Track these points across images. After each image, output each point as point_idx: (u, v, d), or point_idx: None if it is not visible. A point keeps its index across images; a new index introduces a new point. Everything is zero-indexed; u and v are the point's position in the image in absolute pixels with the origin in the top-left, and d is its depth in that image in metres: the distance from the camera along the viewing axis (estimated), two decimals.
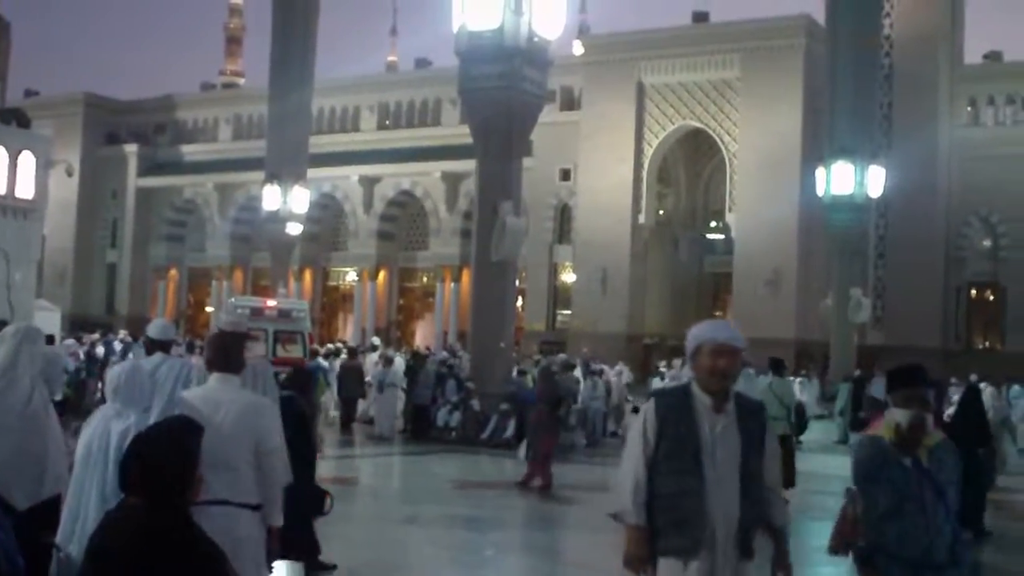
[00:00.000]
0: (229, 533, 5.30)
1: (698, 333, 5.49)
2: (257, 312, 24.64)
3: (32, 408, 6.58)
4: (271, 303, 27.03)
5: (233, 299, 33.11)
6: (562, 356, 28.46)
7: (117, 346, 32.86)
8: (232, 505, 5.76)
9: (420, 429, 25.57)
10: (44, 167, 33.83)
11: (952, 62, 51.14)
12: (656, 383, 30.22)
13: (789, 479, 20.44)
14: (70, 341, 31.43)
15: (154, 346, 8.47)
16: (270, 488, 6.02)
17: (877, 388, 26.24)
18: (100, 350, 31.45)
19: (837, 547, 7.37)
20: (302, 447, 7.79)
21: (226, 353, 6.28)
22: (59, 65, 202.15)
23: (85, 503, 5.87)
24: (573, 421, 24.66)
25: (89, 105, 70.15)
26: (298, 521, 7.45)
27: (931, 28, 49.96)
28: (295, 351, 24.35)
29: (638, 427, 5.45)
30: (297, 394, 9.52)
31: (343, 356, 29.21)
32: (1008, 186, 47.44)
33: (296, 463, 6.57)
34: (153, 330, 8.84)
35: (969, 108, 51.00)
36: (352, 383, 26.63)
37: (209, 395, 6.05)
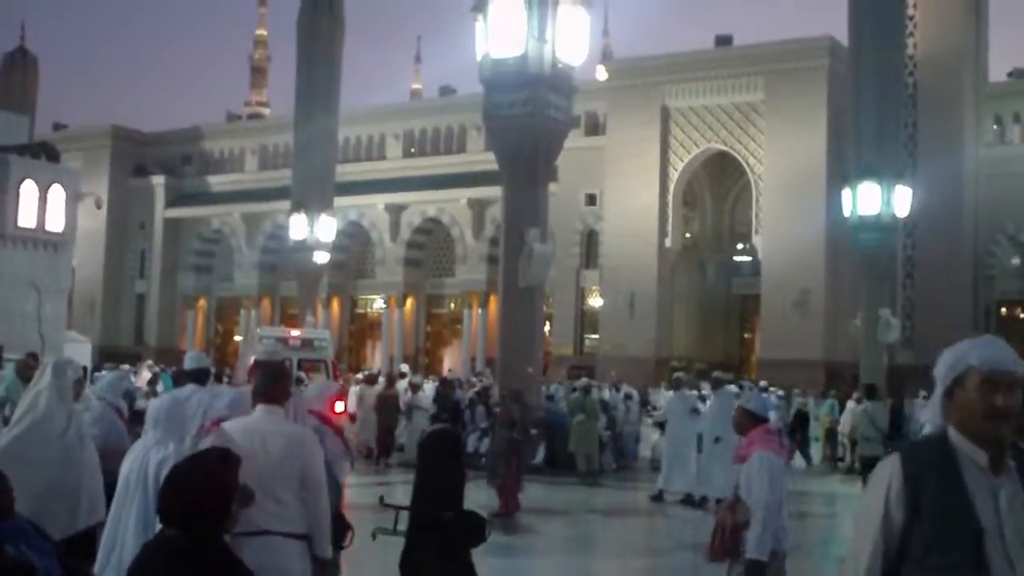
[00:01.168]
0: (274, 564, 5.33)
1: (963, 354, 3.83)
2: (282, 342, 25.24)
3: (67, 441, 6.64)
4: (295, 333, 28.31)
5: (259, 330, 33.74)
6: (584, 380, 28.49)
7: (145, 376, 33.02)
8: (276, 535, 5.77)
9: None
10: (73, 200, 34.02)
11: (977, 80, 50.99)
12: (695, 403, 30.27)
13: None
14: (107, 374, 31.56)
15: (187, 377, 8.56)
16: (317, 520, 6.00)
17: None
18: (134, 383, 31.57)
19: (718, 556, 7.61)
20: (456, 480, 7.87)
21: (270, 384, 6.28)
22: (86, 98, 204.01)
23: (123, 532, 5.93)
24: (605, 439, 24.90)
25: (116, 137, 70.62)
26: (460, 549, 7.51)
27: (955, 47, 49.82)
28: (319, 379, 24.73)
29: (875, 496, 3.65)
30: (449, 425, 9.69)
31: (381, 384, 29.17)
32: None
33: (451, 496, 6.66)
34: (187, 362, 8.96)
35: (995, 126, 50.85)
36: (389, 411, 26.70)
37: (252, 426, 6.04)
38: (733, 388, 21.84)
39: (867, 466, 21.40)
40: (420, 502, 7.05)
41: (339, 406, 25.64)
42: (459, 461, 7.95)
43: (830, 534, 18.47)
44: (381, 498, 9.72)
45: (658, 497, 20.34)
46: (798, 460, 29.15)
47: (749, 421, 8.22)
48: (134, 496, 6.04)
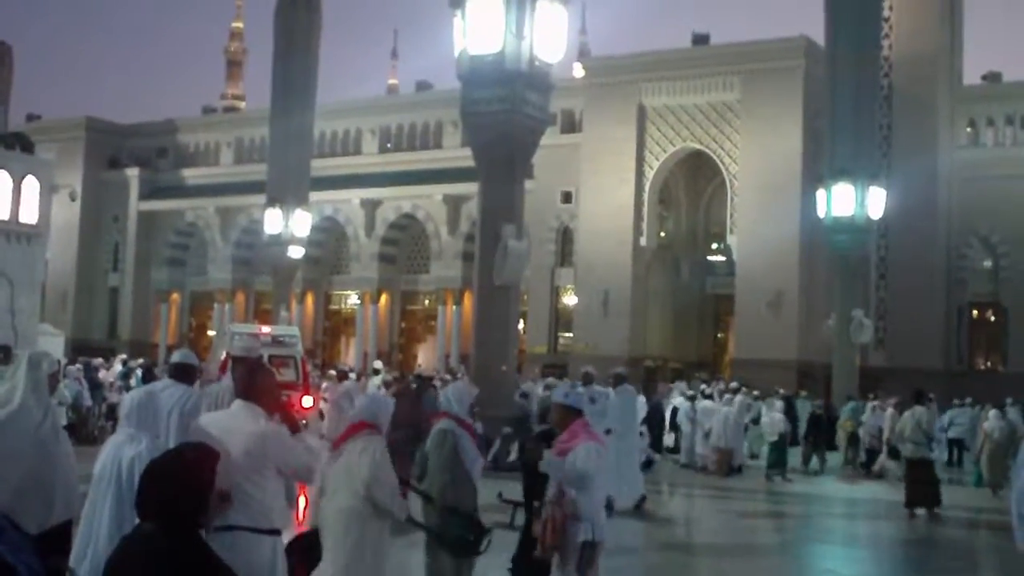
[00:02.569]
0: (241, 559, 5.33)
1: None
2: (253, 338, 25.15)
3: (41, 435, 6.62)
4: (266, 330, 28.71)
5: (231, 326, 33.80)
6: (550, 379, 28.36)
7: (117, 369, 32.90)
8: (243, 530, 5.78)
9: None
10: (47, 192, 33.91)
11: (951, 83, 51.28)
12: (682, 406, 30.34)
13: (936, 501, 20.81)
14: (75, 367, 31.46)
15: (175, 373, 8.57)
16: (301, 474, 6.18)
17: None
18: (102, 375, 31.47)
19: (548, 550, 7.72)
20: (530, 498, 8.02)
21: (244, 381, 6.29)
22: (60, 89, 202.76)
23: (97, 527, 5.91)
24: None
25: (91, 129, 70.25)
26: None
27: (930, 49, 50.08)
28: (288, 375, 24.80)
29: None
30: (535, 444, 9.78)
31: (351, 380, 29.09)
32: (1008, 206, 47.54)
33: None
34: (174, 359, 8.99)
35: (969, 129, 51.14)
36: None
37: (223, 421, 6.07)
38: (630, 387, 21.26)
39: (913, 468, 21.54)
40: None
41: (307, 401, 25.77)
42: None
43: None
44: (500, 494, 10.10)
45: None
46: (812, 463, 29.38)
47: (567, 415, 8.30)
48: (107, 491, 6.02)
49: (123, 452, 6.07)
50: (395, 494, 7.35)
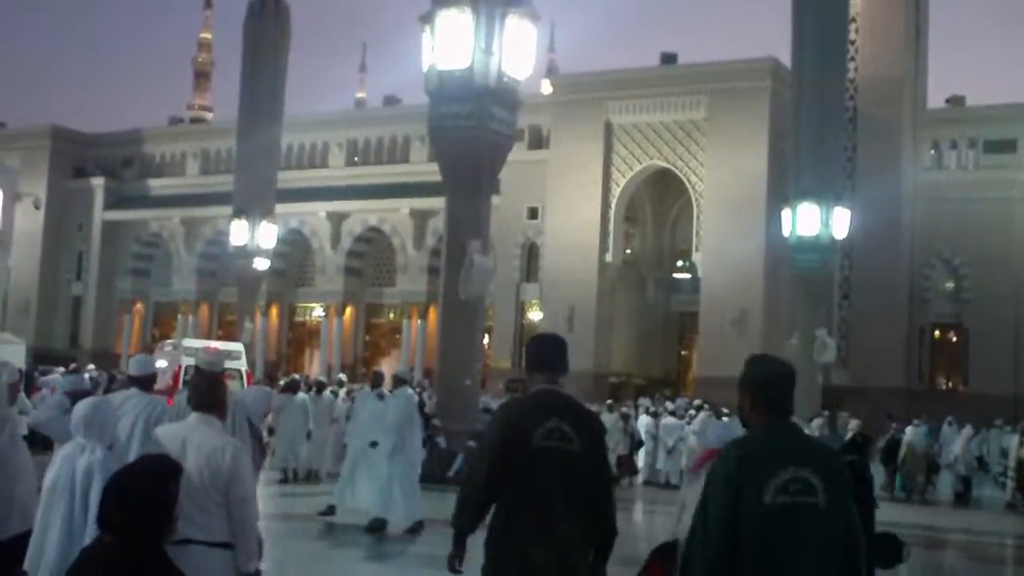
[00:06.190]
0: (196, 573, 5.30)
1: None
2: (217, 352, 25.43)
3: (0, 445, 6.57)
4: (214, 345, 28.96)
5: (176, 342, 34.31)
6: (510, 396, 28.13)
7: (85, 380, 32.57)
8: (199, 544, 5.73)
9: None
10: (11, 199, 33.72)
11: (916, 106, 51.74)
12: (644, 422, 30.34)
13: None
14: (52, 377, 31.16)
15: (133, 382, 8.42)
16: (242, 533, 5.96)
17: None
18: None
19: None
20: (866, 504, 7.99)
21: (201, 393, 6.28)
22: (26, 97, 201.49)
23: (50, 538, 5.85)
24: None
25: (56, 138, 69.75)
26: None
27: (895, 73, 50.54)
28: (234, 386, 25.03)
29: None
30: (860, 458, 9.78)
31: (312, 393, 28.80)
32: (970, 229, 47.97)
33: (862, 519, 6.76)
34: (133, 366, 8.79)
35: (932, 151, 51.57)
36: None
37: (178, 433, 6.03)
38: (410, 390, 19.79)
39: None
40: None
41: None
42: (868, 486, 8.12)
43: None
44: None
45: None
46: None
47: None
48: (59, 502, 5.96)
49: (76, 462, 6.02)
50: None
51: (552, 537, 5.78)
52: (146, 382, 8.39)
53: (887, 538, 7.83)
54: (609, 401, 33.51)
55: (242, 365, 28.63)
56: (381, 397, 18.30)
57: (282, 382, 31.29)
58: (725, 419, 30.40)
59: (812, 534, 4.76)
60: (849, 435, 30.20)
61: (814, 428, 28.21)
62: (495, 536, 6.00)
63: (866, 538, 5.49)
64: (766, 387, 5.07)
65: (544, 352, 6.37)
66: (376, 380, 19.44)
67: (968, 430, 32.15)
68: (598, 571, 6.02)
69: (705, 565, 4.76)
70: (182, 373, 25.40)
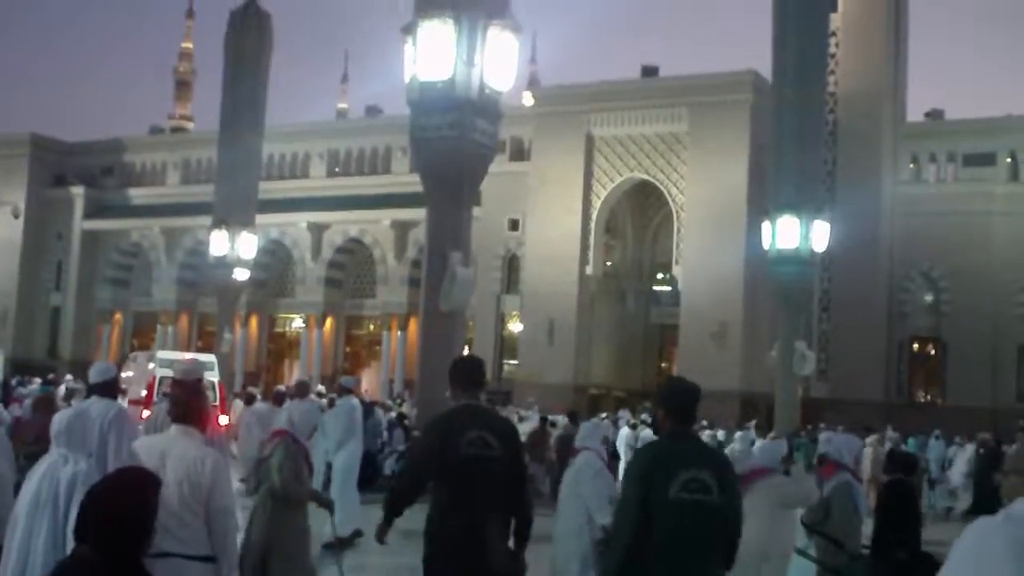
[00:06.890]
0: None
1: None
2: (194, 361, 25.35)
3: None
4: (188, 356, 29.74)
5: (150, 353, 34.54)
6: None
7: (62, 391, 32.38)
8: (178, 557, 5.66)
9: (368, 477, 25.41)
10: None
11: (895, 120, 52.01)
12: (624, 435, 30.30)
13: None
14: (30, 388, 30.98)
15: (94, 390, 8.28)
16: (223, 546, 5.89)
17: None
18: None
19: None
20: (912, 522, 8.23)
21: (181, 405, 6.19)
22: (5, 105, 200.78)
23: (34, 550, 5.80)
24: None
25: (36, 146, 69.54)
26: None
27: (875, 86, 50.82)
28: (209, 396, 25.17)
29: None
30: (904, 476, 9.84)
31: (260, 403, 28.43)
32: (949, 242, 48.20)
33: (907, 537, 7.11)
34: (93, 374, 8.64)
35: (911, 165, 51.87)
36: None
37: (157, 445, 5.96)
38: (355, 400, 19.29)
39: None
40: (876, 543, 7.48)
41: (223, 419, 25.81)
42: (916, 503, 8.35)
43: None
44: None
45: None
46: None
47: None
48: (44, 514, 5.92)
49: (59, 473, 5.98)
50: None
51: (478, 526, 6.87)
52: (105, 388, 8.26)
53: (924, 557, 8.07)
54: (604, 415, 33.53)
55: (215, 376, 28.71)
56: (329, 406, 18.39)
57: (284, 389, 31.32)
58: (707, 431, 30.49)
59: (705, 526, 5.75)
60: (887, 447, 29.60)
61: (867, 444, 27.47)
62: (432, 529, 7.15)
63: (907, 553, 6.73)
64: (674, 400, 6.11)
65: (466, 374, 7.44)
66: (301, 390, 18.24)
67: (969, 448, 31.63)
68: (518, 556, 7.10)
69: (621, 546, 5.84)
70: (156, 384, 25.35)
